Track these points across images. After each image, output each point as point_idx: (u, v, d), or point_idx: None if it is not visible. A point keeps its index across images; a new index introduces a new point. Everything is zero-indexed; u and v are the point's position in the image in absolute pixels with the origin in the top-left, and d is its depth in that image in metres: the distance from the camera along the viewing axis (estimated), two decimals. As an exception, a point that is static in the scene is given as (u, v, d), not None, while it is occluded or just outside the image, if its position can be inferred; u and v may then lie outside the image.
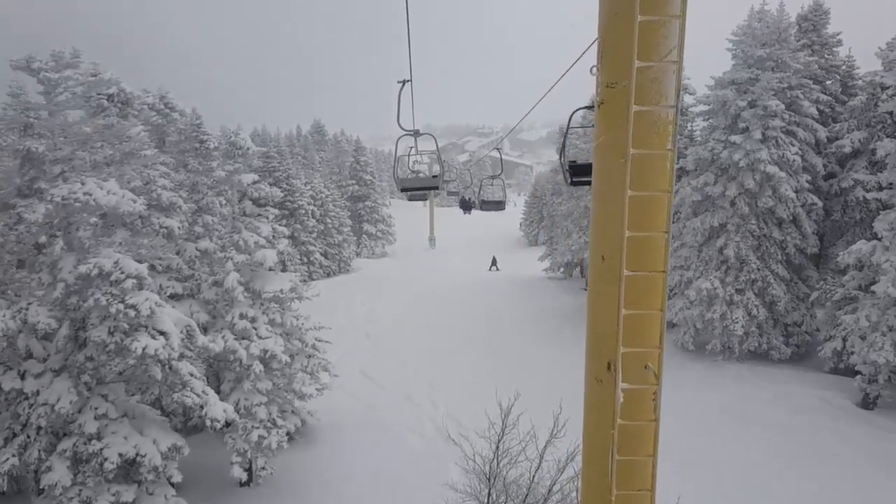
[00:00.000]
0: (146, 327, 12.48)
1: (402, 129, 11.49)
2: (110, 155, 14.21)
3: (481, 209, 23.37)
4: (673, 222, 28.76)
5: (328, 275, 56.20)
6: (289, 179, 52.94)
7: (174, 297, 16.56)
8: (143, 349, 12.03)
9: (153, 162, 16.12)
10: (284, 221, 52.10)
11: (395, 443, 21.23)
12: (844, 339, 23.98)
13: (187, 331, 13.51)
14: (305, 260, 53.40)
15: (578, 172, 7.88)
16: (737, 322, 25.91)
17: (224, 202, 19.36)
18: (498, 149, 21.22)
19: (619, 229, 4.84)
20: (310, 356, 17.88)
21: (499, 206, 24.42)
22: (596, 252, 5.17)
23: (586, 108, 7.36)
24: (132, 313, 12.02)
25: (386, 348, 32.31)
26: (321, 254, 55.38)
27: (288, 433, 17.65)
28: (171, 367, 12.92)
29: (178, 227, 15.98)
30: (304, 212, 52.94)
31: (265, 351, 16.11)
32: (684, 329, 28.04)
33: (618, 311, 4.94)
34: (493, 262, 65.07)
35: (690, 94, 33.63)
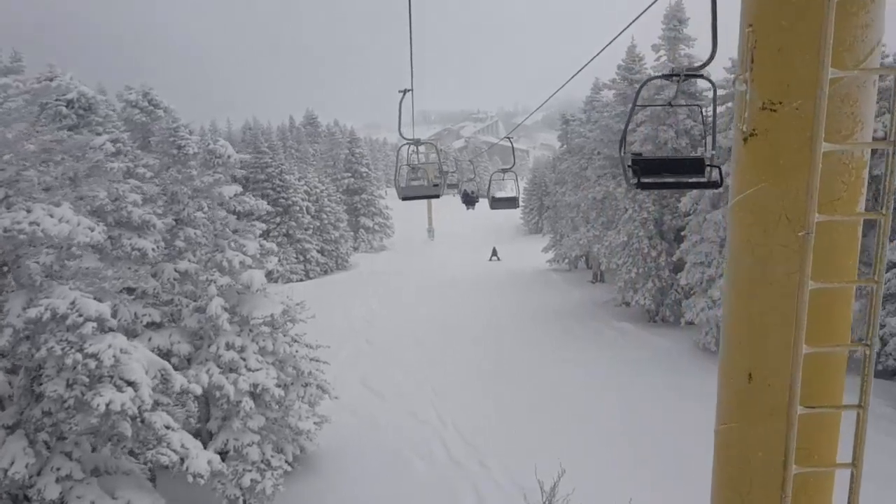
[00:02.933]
0: (111, 377, 10.68)
1: (402, 137, 11.82)
2: (68, 170, 12.34)
3: (492, 207, 21.36)
4: (691, 216, 26.49)
5: (325, 272, 54.43)
6: (281, 175, 51.06)
7: (151, 325, 14.72)
8: (108, 405, 10.24)
9: (118, 178, 14.18)
10: (279, 219, 50.27)
11: (401, 468, 19.46)
12: (883, 340, 22.25)
13: (162, 375, 11.70)
14: (301, 258, 51.60)
15: (648, 170, 5.83)
16: (764, 322, 24.13)
17: (208, 207, 17.44)
18: (509, 138, 19.20)
19: (787, 341, 2.98)
20: (306, 384, 16.07)
21: (512, 203, 22.39)
22: (737, 366, 3.29)
23: (666, 76, 5.31)
24: (92, 364, 10.22)
25: (387, 354, 30.54)
26: (318, 251, 53.57)
27: (285, 472, 15.85)
28: (142, 421, 11.15)
29: (153, 249, 14.10)
30: (298, 208, 51.08)
31: (255, 385, 14.32)
32: (706, 329, 26.30)
33: (784, 466, 3.10)
34: (494, 253, 63.67)
35: (705, 77, 31.73)
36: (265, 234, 49.59)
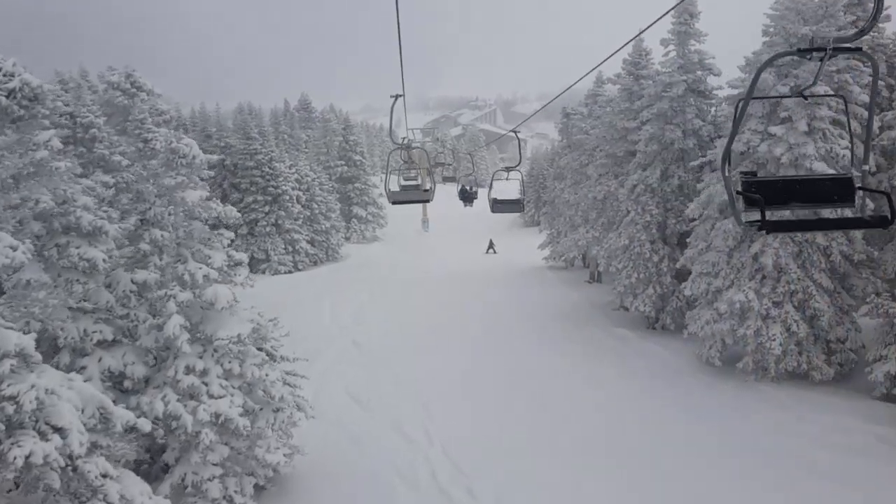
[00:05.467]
0: (36, 422, 9.17)
1: (393, 142, 12.57)
2: (3, 171, 10.74)
3: (493, 210, 19.60)
4: (696, 221, 25.01)
5: (315, 263, 52.95)
6: (271, 163, 49.35)
7: (102, 343, 13.15)
8: (27, 457, 8.74)
9: (67, 177, 12.57)
10: (267, 208, 48.65)
11: (382, 494, 17.91)
12: (901, 363, 20.84)
13: (101, 414, 10.19)
14: (290, 249, 50.02)
15: (771, 198, 3.89)
16: (774, 339, 22.67)
17: (170, 213, 15.81)
18: (515, 132, 17.55)
19: None
20: (277, 410, 14.52)
21: (516, 206, 20.68)
22: None
23: (803, 51, 3.60)
24: (10, 408, 8.70)
25: (375, 358, 28.99)
26: (307, 241, 52.00)
27: (250, 507, 14.36)
28: (74, 470, 9.65)
29: (104, 260, 12.52)
30: (288, 198, 49.43)
31: (217, 415, 12.80)
32: (710, 343, 24.83)
33: None
34: (490, 245, 62.67)
35: (715, 74, 30.19)
36: (251, 224, 48.07)
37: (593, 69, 9.85)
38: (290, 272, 49.30)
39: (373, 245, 66.03)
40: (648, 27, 8.61)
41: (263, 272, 48.19)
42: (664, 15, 7.93)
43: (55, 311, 12.02)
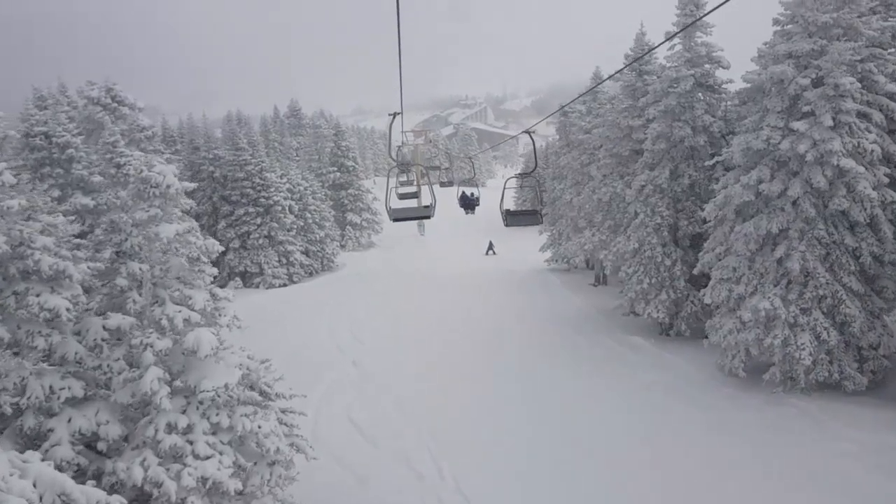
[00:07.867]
0: (-20, 521, 7.69)
1: (392, 160, 13.34)
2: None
3: (507, 224, 17.50)
4: (713, 225, 23.34)
5: (310, 274, 51.43)
6: (262, 173, 47.74)
7: (72, 401, 11.58)
8: (-33, 572, 7.24)
9: (26, 216, 11.01)
10: (259, 220, 47.02)
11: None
12: None
13: (63, 502, 8.67)
14: (284, 261, 48.42)
15: None
16: (803, 349, 21.19)
17: (145, 246, 14.23)
18: (529, 132, 15.83)
19: None
20: (273, 463, 12.97)
21: (533, 218, 18.90)
22: None
23: None
24: (-57, 514, 7.21)
25: (376, 380, 27.32)
26: (302, 252, 50.42)
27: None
28: (30, 573, 8.16)
29: (68, 309, 10.98)
30: (280, 208, 47.82)
31: (204, 479, 11.28)
32: (733, 353, 23.36)
33: None
34: (490, 247, 61.60)
35: (724, 67, 28.70)
36: (243, 237, 46.43)
37: (602, 81, 8.57)
38: (284, 285, 47.71)
39: (369, 251, 64.59)
40: (660, 44, 7.33)
41: (257, 286, 46.67)
42: (674, 35, 6.46)
43: (15, 370, 10.49)
